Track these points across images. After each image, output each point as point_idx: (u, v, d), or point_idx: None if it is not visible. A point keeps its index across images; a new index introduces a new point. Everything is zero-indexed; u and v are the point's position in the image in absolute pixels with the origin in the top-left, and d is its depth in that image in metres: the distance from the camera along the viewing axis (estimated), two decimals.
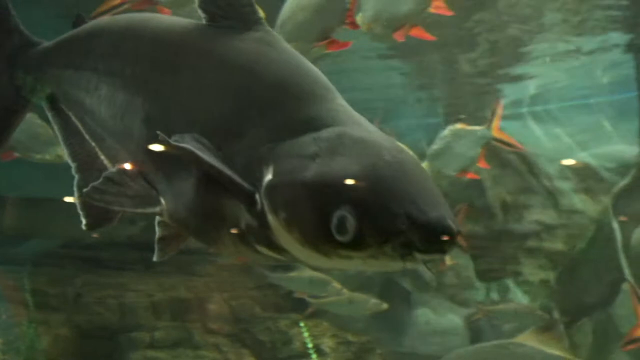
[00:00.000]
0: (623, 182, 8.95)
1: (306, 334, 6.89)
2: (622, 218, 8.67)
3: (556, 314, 8.83)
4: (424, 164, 5.53)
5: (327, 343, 8.45)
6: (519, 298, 9.55)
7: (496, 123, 6.72)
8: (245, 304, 9.12)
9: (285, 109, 2.01)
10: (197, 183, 2.08)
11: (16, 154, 6.22)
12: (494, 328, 9.73)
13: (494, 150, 10.27)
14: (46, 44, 2.79)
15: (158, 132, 2.02)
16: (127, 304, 8.57)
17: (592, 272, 9.03)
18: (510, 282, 9.75)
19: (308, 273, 7.94)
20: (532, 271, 9.61)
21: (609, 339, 8.38)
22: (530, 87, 10.69)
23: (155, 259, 2.50)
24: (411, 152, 1.95)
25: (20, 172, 7.34)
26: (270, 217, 1.89)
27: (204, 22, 2.24)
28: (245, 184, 1.93)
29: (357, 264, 1.83)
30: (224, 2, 2.20)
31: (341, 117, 1.98)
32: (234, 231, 2.03)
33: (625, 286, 8.73)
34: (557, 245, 9.37)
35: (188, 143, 1.96)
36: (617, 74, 9.95)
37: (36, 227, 9.20)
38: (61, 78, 2.68)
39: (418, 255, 1.75)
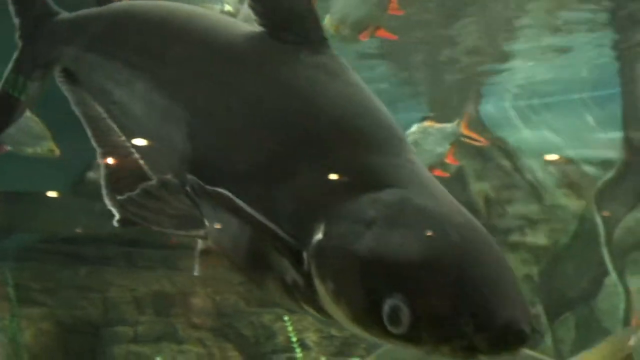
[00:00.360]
0: (606, 178, 9.00)
1: (290, 329, 6.90)
2: (605, 213, 8.72)
3: (539, 309, 8.87)
4: None
5: (311, 337, 8.46)
6: None
7: (465, 121, 6.78)
8: (228, 298, 9.10)
9: (343, 156, 1.75)
10: (241, 221, 1.80)
11: (8, 147, 6.17)
12: None
13: (476, 146, 10.30)
14: (66, 15, 2.54)
15: (190, 176, 1.80)
16: (110, 298, 8.53)
17: (575, 267, 9.08)
18: None
19: None
20: (515, 266, 9.63)
21: (591, 334, 8.43)
22: (514, 82, 10.72)
23: (195, 273, 2.34)
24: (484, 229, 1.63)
25: (1, 166, 7.28)
26: (317, 282, 1.67)
27: (257, 26, 1.94)
28: (291, 240, 1.69)
29: (413, 351, 1.61)
30: (286, 11, 1.90)
31: (407, 177, 1.71)
32: (279, 282, 1.79)
33: (608, 281, 8.79)
34: (540, 240, 9.41)
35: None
36: (600, 70, 9.99)
37: (18, 222, 9.13)
38: (83, 59, 2.41)
39: (483, 357, 1.50)
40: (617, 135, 9.03)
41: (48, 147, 6.25)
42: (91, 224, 8.68)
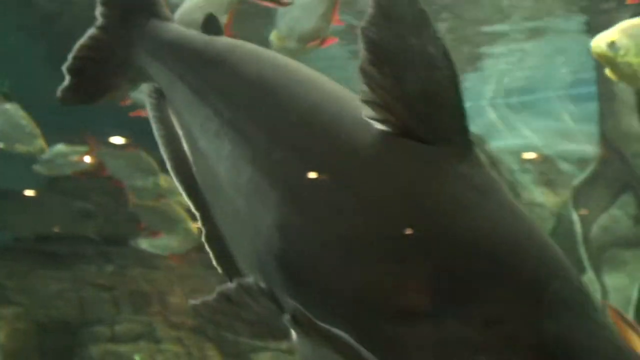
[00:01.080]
0: (583, 176, 9.04)
1: None
2: (582, 211, 8.76)
3: None
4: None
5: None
6: None
7: None
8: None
9: (507, 310, 1.34)
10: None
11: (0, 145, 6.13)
12: None
13: None
14: (173, 29, 2.25)
15: (293, 303, 1.48)
16: (87, 297, 8.47)
17: None
18: None
19: None
20: None
21: None
22: (492, 80, 10.76)
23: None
24: None
25: None
26: None
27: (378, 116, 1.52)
28: None
29: None
30: (424, 102, 1.47)
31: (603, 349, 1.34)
32: None
33: (585, 278, 8.84)
34: None
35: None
36: (578, 69, 10.06)
37: None
38: (173, 85, 2.12)
39: None
40: (594, 133, 9.08)
41: (39, 145, 6.20)
42: (66, 224, 8.62)
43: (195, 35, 2.15)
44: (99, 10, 2.30)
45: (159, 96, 2.21)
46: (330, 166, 1.59)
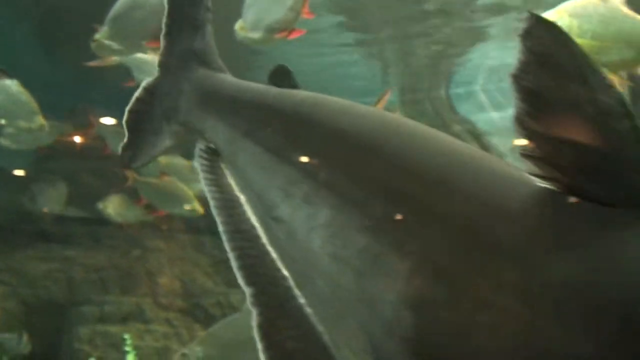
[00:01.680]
0: None
1: None
2: None
3: None
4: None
5: None
6: None
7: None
8: (196, 278, 9.06)
9: None
10: None
11: (1, 121, 6.07)
12: None
13: (447, 128, 10.32)
14: (228, 81, 2.03)
15: None
16: (76, 278, 8.45)
17: None
18: None
19: None
20: None
21: None
22: (484, 64, 10.74)
23: None
24: None
25: None
26: None
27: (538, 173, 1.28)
28: None
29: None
30: (601, 160, 1.23)
31: None
32: None
33: None
34: None
35: None
36: None
37: None
38: (236, 144, 1.86)
39: None
40: None
41: (39, 122, 6.15)
42: (55, 204, 8.59)
43: (261, 87, 1.90)
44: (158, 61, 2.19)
45: (213, 155, 1.93)
46: (483, 230, 1.32)
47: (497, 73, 10.98)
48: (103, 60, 5.71)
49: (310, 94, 1.81)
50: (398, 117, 1.68)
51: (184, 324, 8.42)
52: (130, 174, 7.20)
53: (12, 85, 5.96)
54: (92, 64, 5.71)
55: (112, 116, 7.37)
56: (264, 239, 1.71)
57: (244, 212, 1.79)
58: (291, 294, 1.61)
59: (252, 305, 1.63)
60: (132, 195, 7.82)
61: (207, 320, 8.54)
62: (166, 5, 2.15)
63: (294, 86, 1.89)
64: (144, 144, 2.18)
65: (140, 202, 7.44)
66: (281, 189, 1.67)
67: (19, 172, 9.08)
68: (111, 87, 5.66)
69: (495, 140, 10.14)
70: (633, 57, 4.13)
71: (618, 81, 4.21)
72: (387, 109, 7.60)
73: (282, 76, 1.93)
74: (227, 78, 2.06)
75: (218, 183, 1.89)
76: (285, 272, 1.64)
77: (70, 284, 8.41)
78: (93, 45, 5.26)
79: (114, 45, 5.14)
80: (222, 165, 1.92)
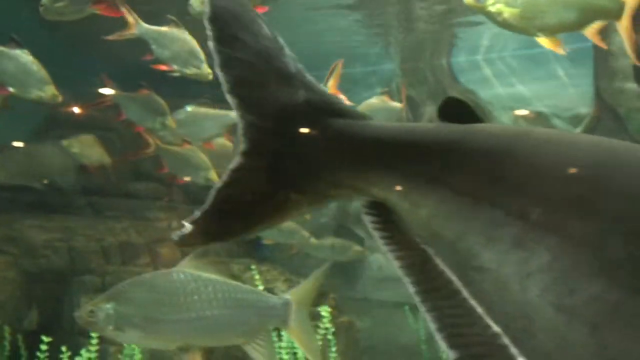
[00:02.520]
0: (576, 131, 9.02)
1: (257, 277, 6.91)
2: None
3: None
4: None
5: (280, 287, 8.47)
6: None
7: (332, 83, 6.33)
8: (196, 248, 9.07)
9: None
10: None
11: (11, 89, 6.01)
12: None
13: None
14: (382, 127, 1.75)
15: None
16: (77, 248, 8.45)
17: None
18: None
19: None
20: None
21: None
22: (486, 34, 10.66)
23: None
24: None
25: None
26: None
27: None
28: None
29: None
30: None
31: None
32: None
33: None
34: None
35: None
36: None
37: None
38: (412, 194, 1.64)
39: None
40: (588, 90, 9.03)
41: (51, 91, 6.09)
42: (55, 175, 8.57)
43: (431, 127, 1.71)
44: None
45: (381, 210, 1.70)
46: None
47: (499, 42, 10.91)
48: (121, 35, 5.68)
49: (503, 126, 1.60)
50: (625, 144, 1.48)
51: None
52: (153, 140, 7.15)
53: (22, 54, 5.92)
54: (109, 37, 5.70)
55: (112, 86, 7.30)
56: (465, 293, 1.49)
57: (435, 267, 1.57)
58: (507, 354, 1.38)
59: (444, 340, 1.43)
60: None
61: None
62: (221, 55, 1.73)
63: (476, 119, 1.65)
64: (229, 220, 1.83)
65: (162, 169, 7.40)
66: (482, 235, 1.47)
67: (18, 144, 9.07)
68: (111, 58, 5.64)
69: (497, 112, 10.09)
70: (573, 20, 4.09)
71: (555, 44, 4.16)
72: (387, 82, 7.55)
73: (456, 109, 1.65)
74: (374, 123, 1.77)
75: (397, 240, 1.66)
76: (497, 328, 1.41)
77: (71, 253, 8.41)
78: (41, 9, 5.27)
79: (61, 6, 5.11)
80: (395, 218, 1.69)
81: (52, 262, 8.38)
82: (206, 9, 1.71)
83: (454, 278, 1.52)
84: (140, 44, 5.91)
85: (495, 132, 1.62)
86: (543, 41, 4.36)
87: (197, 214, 1.76)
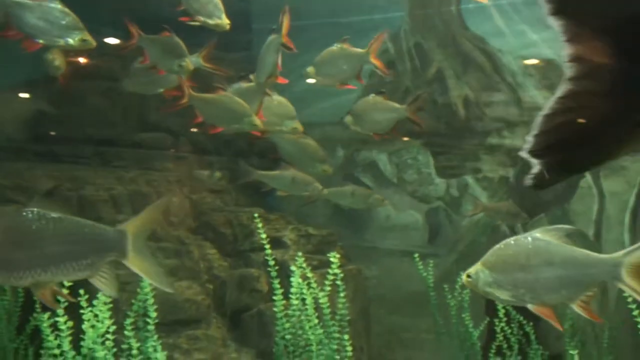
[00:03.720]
0: None
1: (259, 225, 6.93)
2: None
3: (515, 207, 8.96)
4: None
5: (289, 236, 8.52)
6: (478, 194, 9.65)
7: (374, 47, 6.96)
8: (205, 197, 9.10)
9: None
10: None
11: (40, 41, 5.91)
12: (452, 223, 9.87)
13: (457, 46, 10.16)
14: None
15: None
16: (86, 196, 8.48)
17: None
18: (469, 179, 9.84)
19: (291, 172, 8.00)
20: (492, 168, 9.69)
21: None
22: None
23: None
24: None
25: None
26: None
27: None
28: None
29: None
30: None
31: None
32: None
33: (583, 183, 8.85)
34: (518, 142, 9.42)
35: None
36: None
37: None
38: None
39: None
40: None
41: (82, 37, 5.95)
42: (63, 125, 8.56)
43: None
44: None
45: None
46: None
47: None
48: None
49: None
50: None
51: (195, 241, 8.48)
52: (187, 88, 7.02)
53: (49, 2, 5.80)
54: None
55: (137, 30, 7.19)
56: None
57: None
58: None
59: None
60: None
61: (218, 238, 8.61)
62: None
63: None
64: None
65: (196, 119, 7.23)
66: None
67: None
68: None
69: (506, 58, 9.99)
70: None
71: None
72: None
73: None
74: None
75: None
76: None
77: (81, 202, 8.45)
78: None
79: None
80: None
81: (63, 210, 8.42)
82: None
83: None
84: None
85: None
86: None
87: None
